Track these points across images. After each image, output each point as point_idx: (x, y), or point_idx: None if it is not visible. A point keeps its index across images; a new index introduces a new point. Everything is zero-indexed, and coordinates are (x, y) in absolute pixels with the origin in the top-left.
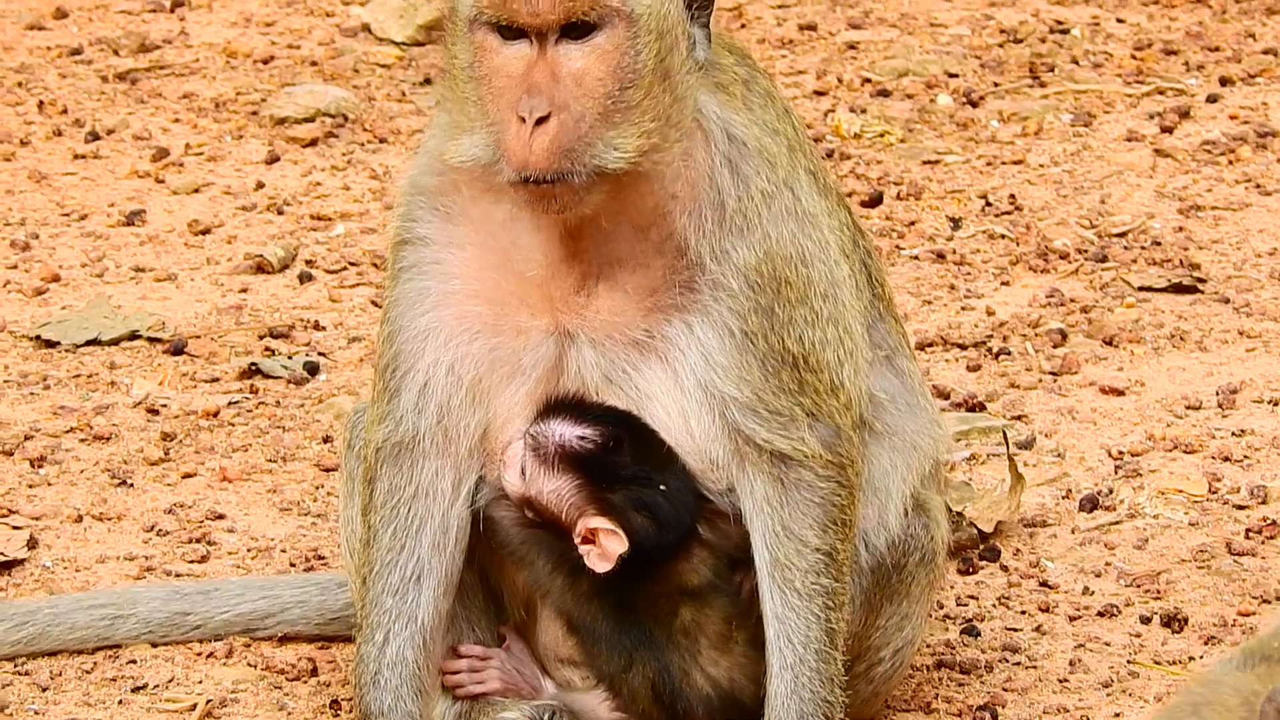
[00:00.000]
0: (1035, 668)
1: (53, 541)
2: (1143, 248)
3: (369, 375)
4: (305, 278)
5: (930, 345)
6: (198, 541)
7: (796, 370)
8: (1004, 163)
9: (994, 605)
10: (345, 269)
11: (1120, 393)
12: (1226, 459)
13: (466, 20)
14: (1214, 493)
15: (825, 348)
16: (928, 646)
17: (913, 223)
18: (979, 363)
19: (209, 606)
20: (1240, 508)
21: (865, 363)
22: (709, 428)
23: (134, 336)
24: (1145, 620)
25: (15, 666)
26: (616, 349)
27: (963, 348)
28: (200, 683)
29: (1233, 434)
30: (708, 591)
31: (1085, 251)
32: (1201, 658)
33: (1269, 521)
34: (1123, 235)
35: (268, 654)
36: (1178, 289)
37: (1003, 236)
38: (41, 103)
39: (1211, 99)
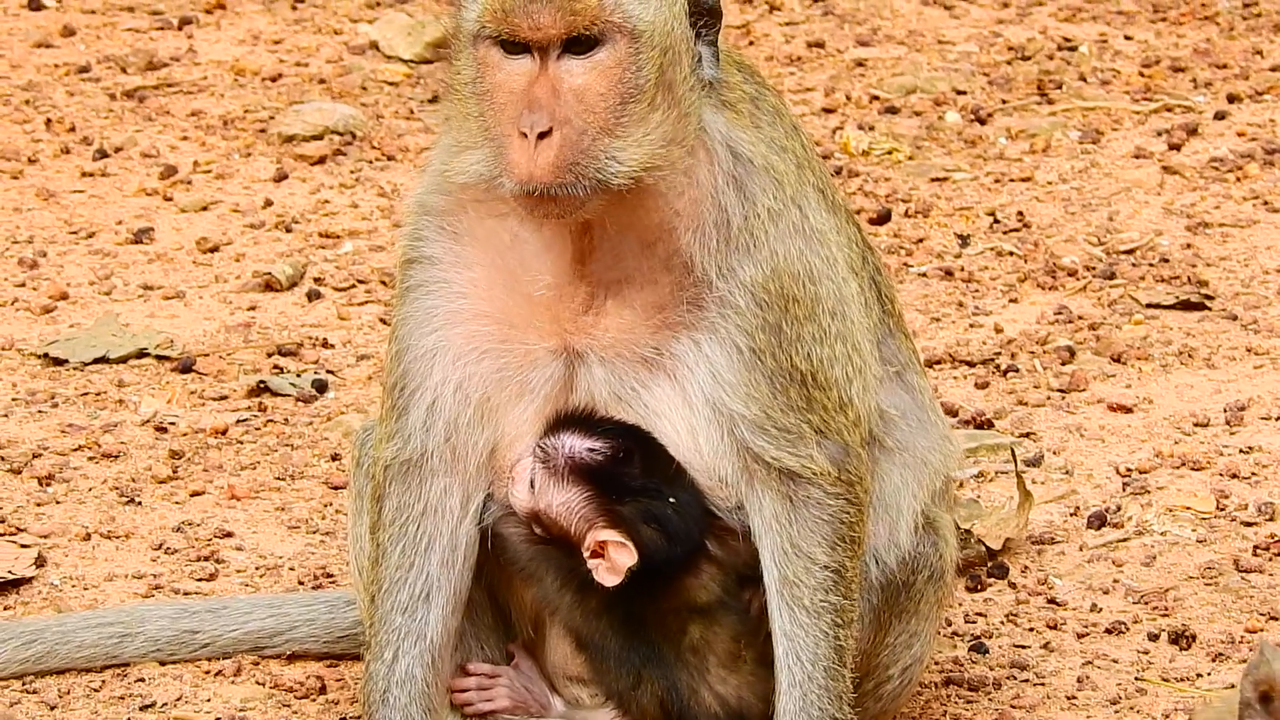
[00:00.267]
0: (1043, 685)
1: (61, 560)
2: (1151, 265)
3: (377, 393)
4: (314, 295)
5: (939, 363)
6: (206, 559)
7: (805, 387)
8: (1012, 180)
9: (1002, 622)
10: (354, 286)
11: (1128, 410)
12: (1234, 476)
13: (470, 36)
14: (1222, 510)
15: (833, 364)
16: (936, 664)
17: (921, 240)
18: (987, 380)
19: (217, 625)
20: (1248, 525)
21: (874, 379)
22: (717, 445)
23: (142, 354)
24: (1153, 637)
25: (23, 685)
26: (625, 366)
27: (971, 365)
28: (209, 701)
29: (1241, 451)
30: (716, 609)
31: (1093, 268)
32: (1209, 674)
33: (1277, 539)
34: (1131, 252)
35: (276, 672)
36: (1186, 306)
37: (1011, 254)
38: (49, 120)
39: (1219, 116)
